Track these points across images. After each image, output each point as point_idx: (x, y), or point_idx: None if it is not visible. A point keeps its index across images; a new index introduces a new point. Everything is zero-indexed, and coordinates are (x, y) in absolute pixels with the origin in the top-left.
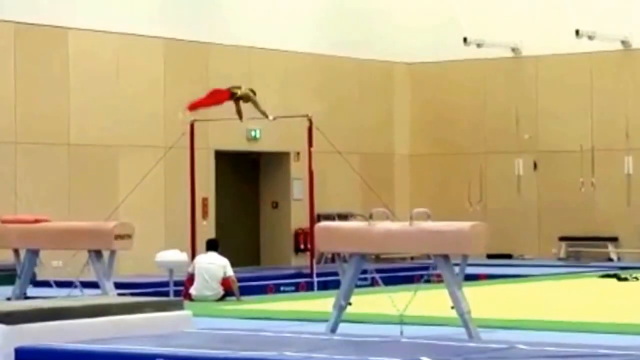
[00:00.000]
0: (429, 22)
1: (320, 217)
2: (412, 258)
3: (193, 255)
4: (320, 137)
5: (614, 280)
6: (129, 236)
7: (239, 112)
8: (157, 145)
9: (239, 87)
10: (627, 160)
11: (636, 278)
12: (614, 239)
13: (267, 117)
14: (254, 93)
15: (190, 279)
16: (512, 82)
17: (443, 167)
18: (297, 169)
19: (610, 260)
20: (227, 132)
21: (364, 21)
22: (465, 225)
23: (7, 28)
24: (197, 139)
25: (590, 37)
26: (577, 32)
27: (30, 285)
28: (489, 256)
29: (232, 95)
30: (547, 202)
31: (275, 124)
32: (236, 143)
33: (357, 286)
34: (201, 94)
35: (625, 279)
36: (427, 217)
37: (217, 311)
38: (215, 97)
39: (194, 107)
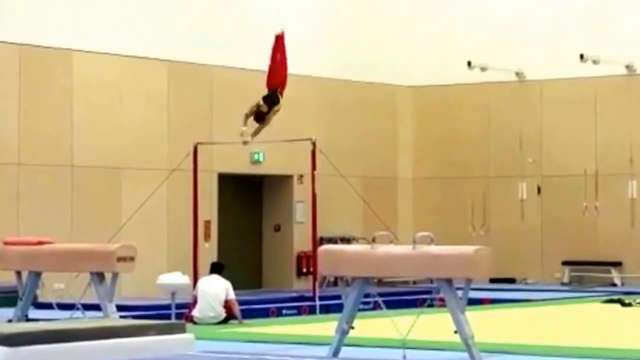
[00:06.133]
0: (432, 46)
1: (323, 240)
2: (414, 282)
3: (195, 278)
4: (323, 160)
5: (617, 306)
6: (132, 258)
7: (262, 118)
8: (160, 168)
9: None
10: (631, 185)
11: None
12: (617, 264)
13: (254, 136)
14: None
15: (196, 302)
16: (516, 106)
17: (446, 191)
18: (300, 192)
19: (614, 285)
20: (230, 155)
21: (367, 44)
22: (468, 249)
23: (12, 50)
24: (200, 161)
25: (594, 62)
26: (581, 56)
27: (32, 307)
28: (492, 280)
29: (280, 90)
30: (551, 226)
31: (279, 148)
32: (239, 166)
33: (360, 310)
34: (205, 116)
35: (629, 304)
36: (430, 241)
37: (219, 334)
38: (283, 73)
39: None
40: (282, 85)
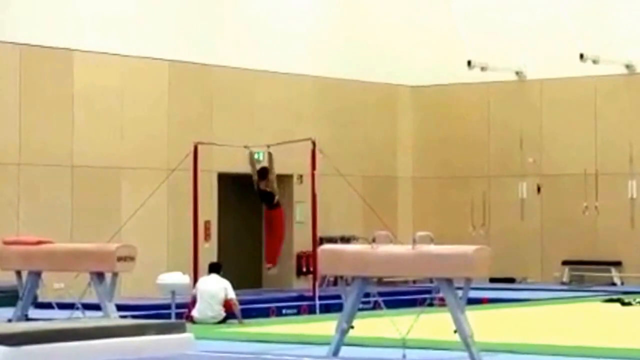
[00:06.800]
0: (432, 45)
1: (323, 240)
2: (414, 281)
3: (195, 278)
4: (323, 160)
5: (617, 305)
6: (132, 258)
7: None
8: (160, 168)
9: (263, 172)
10: (631, 185)
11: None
12: (617, 263)
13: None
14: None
15: (194, 301)
16: (516, 106)
17: (446, 191)
18: (300, 192)
19: (614, 284)
20: (230, 154)
21: (367, 44)
22: (468, 249)
23: (13, 50)
24: (200, 161)
25: (594, 61)
26: (581, 56)
27: (32, 307)
28: (492, 280)
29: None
30: (551, 226)
31: (279, 147)
32: (239, 166)
33: (360, 309)
34: (205, 116)
35: (629, 304)
36: (430, 240)
37: (219, 334)
38: (276, 225)
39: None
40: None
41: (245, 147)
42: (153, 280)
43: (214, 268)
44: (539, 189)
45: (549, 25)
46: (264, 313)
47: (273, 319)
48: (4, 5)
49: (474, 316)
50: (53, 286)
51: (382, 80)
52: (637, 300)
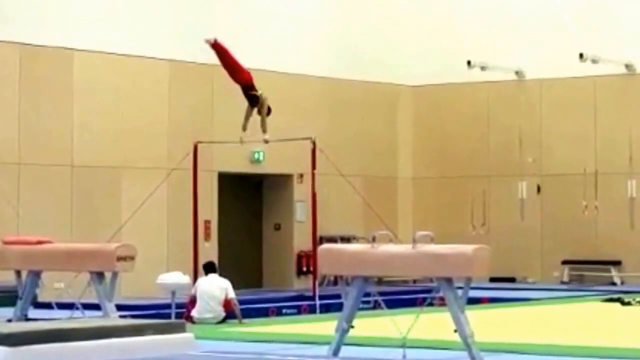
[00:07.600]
0: (433, 45)
1: (323, 240)
2: (414, 281)
3: (195, 278)
4: (323, 159)
5: (617, 305)
6: (132, 258)
7: (247, 117)
8: (160, 167)
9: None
10: (631, 184)
11: (639, 302)
12: (617, 263)
13: (264, 132)
14: (269, 110)
15: (192, 301)
16: (515, 106)
17: (446, 190)
18: (300, 192)
19: (614, 284)
20: (230, 154)
21: (368, 44)
22: (468, 248)
23: (13, 49)
24: (200, 160)
25: (594, 61)
26: (581, 55)
27: (32, 307)
28: (492, 279)
29: (251, 87)
30: (551, 225)
31: (279, 147)
32: (240, 165)
33: (360, 309)
34: (206, 115)
35: (629, 303)
36: (430, 240)
37: (219, 334)
38: (240, 71)
39: (219, 47)
40: (250, 79)
41: (241, 142)
42: (153, 280)
43: (210, 268)
44: (538, 189)
45: (549, 25)
46: (264, 313)
47: (273, 318)
48: (4, 5)
49: (474, 316)
50: (53, 286)
51: (382, 80)
52: (637, 299)
